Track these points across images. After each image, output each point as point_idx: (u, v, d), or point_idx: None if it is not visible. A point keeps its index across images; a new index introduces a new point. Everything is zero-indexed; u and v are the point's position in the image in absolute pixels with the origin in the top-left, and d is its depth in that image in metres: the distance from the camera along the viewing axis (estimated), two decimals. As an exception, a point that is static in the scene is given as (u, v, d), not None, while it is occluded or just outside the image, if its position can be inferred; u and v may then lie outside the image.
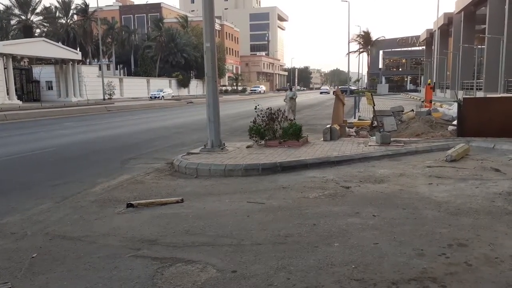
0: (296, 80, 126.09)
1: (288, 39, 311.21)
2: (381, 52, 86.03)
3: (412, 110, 14.87)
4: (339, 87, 60.55)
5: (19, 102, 33.24)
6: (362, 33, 69.25)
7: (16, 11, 53.69)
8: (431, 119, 12.43)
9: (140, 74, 57.22)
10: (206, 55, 8.99)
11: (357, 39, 68.93)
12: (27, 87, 40.36)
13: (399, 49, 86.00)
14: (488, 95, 22.82)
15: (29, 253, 4.00)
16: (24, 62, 46.62)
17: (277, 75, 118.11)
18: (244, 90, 77.38)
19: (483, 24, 35.14)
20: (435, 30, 48.35)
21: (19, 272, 3.59)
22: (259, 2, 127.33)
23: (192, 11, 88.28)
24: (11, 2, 52.63)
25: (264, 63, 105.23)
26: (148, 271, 3.52)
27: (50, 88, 41.20)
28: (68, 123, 19.15)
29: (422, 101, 21.77)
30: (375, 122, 12.03)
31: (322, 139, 10.45)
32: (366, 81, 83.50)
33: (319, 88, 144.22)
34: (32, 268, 3.68)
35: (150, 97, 47.20)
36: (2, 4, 54.25)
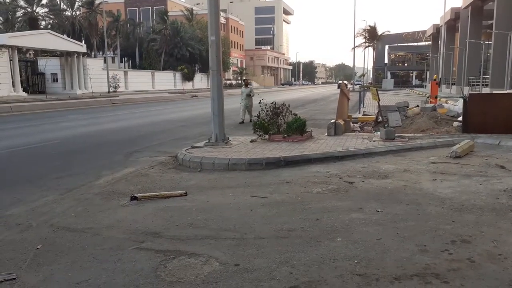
0: (301, 74, 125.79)
1: (293, 33, 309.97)
2: (387, 47, 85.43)
3: (417, 106, 14.79)
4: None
5: (25, 94, 33.32)
6: (368, 28, 68.84)
7: (22, 3, 53.67)
8: (436, 115, 12.36)
9: (145, 67, 57.14)
10: (210, 49, 8.97)
11: (363, 33, 68.59)
12: (32, 79, 40.41)
13: (405, 44, 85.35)
14: (494, 91, 22.64)
15: (34, 244, 4.03)
16: (30, 54, 46.66)
17: (281, 69, 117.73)
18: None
19: (490, 19, 34.75)
20: (441, 25, 47.91)
21: (24, 263, 3.62)
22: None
23: (197, 4, 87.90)
24: (17, -6, 52.70)
25: (268, 57, 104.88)
26: (151, 264, 3.54)
27: (55, 80, 41.22)
28: (72, 115, 19.21)
29: (428, 97, 21.66)
30: (380, 117, 11.99)
31: (326, 134, 10.42)
32: (371, 76, 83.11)
33: (326, 83, 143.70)
34: (36, 259, 3.71)
35: None
36: (8, -4, 54.17)
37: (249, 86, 15.74)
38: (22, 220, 4.80)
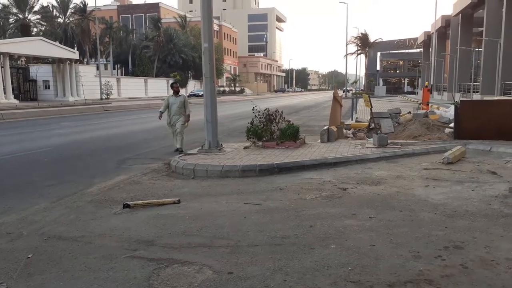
0: (294, 81, 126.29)
1: (286, 40, 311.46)
2: (378, 54, 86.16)
3: (409, 112, 14.90)
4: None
5: (16, 101, 33.11)
6: (360, 35, 69.45)
7: (14, 9, 53.49)
8: (428, 122, 12.46)
9: (138, 74, 57.09)
10: (204, 56, 8.99)
11: (355, 41, 69.17)
12: (24, 86, 40.21)
13: (397, 51, 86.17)
14: (485, 98, 22.91)
15: (24, 253, 3.98)
16: (21, 61, 46.36)
17: (275, 76, 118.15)
18: (242, 91, 77.27)
19: (480, 26, 35.26)
20: (432, 33, 48.49)
21: (14, 273, 3.57)
22: (258, 2, 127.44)
23: (190, 11, 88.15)
24: (8, 0, 52.45)
25: (262, 64, 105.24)
26: (144, 272, 3.51)
27: (47, 87, 41.05)
28: (65, 122, 19.09)
29: (419, 103, 21.83)
30: (372, 124, 12.05)
31: (319, 140, 10.46)
32: (363, 83, 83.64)
33: (319, 90, 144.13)
34: (27, 268, 3.66)
35: None
36: (0, 2, 53.93)
37: (180, 94, 10.28)
38: (12, 228, 4.74)
